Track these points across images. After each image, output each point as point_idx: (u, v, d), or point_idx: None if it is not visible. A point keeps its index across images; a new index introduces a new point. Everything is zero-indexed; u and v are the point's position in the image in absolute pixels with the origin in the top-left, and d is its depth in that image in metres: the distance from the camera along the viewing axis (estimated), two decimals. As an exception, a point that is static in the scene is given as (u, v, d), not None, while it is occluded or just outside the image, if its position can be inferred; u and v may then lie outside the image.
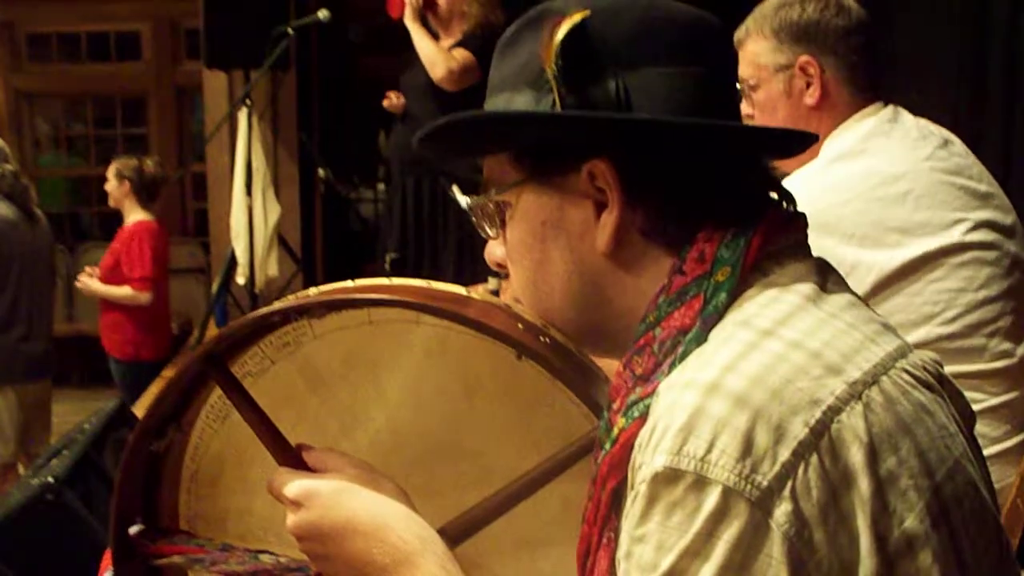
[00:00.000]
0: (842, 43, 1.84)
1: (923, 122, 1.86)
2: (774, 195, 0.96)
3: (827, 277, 0.91)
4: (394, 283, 1.03)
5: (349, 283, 1.04)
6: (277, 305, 1.03)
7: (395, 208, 4.64)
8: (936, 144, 1.80)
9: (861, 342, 0.84)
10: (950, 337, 1.69)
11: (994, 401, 1.72)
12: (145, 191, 5.04)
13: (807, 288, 0.87)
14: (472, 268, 4.30)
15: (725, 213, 0.89)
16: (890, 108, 1.86)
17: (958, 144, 1.85)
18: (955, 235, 1.71)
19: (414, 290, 1.02)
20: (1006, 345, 1.73)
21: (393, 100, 4.57)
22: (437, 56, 4.17)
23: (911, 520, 0.78)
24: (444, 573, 0.92)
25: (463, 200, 2.38)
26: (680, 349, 0.84)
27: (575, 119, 0.89)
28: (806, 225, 0.96)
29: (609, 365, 1.16)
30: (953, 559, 0.80)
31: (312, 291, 1.05)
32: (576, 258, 0.93)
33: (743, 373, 0.78)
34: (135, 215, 5.03)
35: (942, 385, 0.90)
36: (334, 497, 0.97)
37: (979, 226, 1.74)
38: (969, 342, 1.71)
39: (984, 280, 1.72)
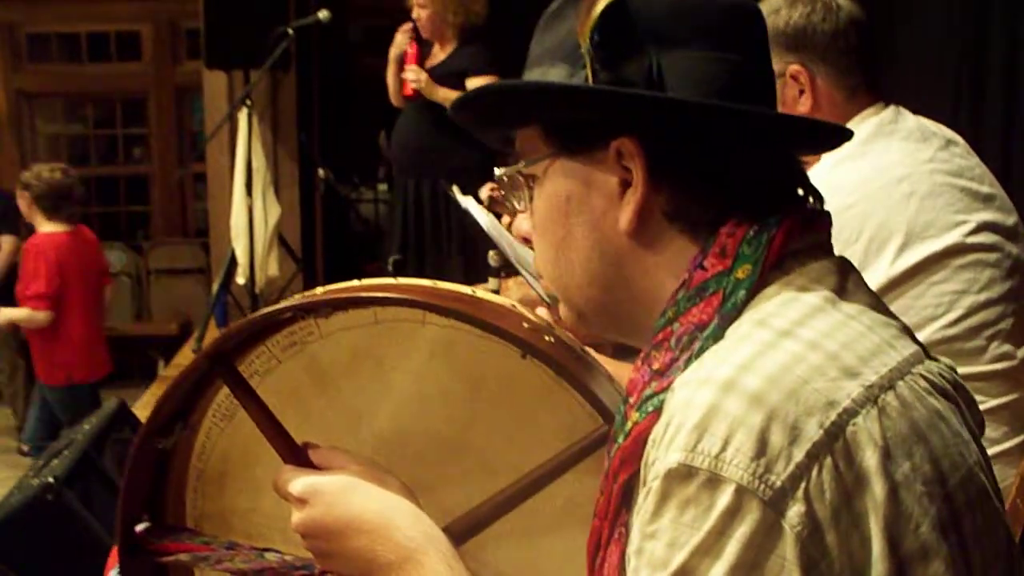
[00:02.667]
0: (831, 47, 1.82)
1: (925, 122, 1.85)
2: (800, 191, 0.95)
3: (847, 278, 0.90)
4: (400, 283, 1.03)
5: (355, 282, 1.04)
6: (284, 304, 1.04)
7: (397, 209, 4.67)
8: (938, 145, 1.79)
9: (879, 345, 0.84)
10: (951, 339, 1.68)
11: (993, 403, 1.71)
12: (48, 201, 4.58)
13: (826, 290, 0.86)
14: (476, 268, 4.33)
15: (750, 205, 0.89)
16: (891, 109, 1.84)
17: (961, 144, 1.84)
18: (957, 237, 1.70)
19: (420, 289, 1.02)
20: (1006, 347, 1.72)
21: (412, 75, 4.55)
22: None
23: (925, 527, 0.78)
24: (449, 571, 0.92)
25: (463, 200, 2.36)
26: (697, 345, 0.84)
27: (605, 93, 0.89)
28: (830, 224, 0.95)
29: (612, 366, 1.17)
30: (963, 568, 0.80)
31: (319, 290, 1.05)
32: (598, 235, 0.93)
33: (760, 372, 0.78)
34: (42, 227, 4.64)
35: (958, 392, 0.90)
36: (339, 494, 0.97)
37: (981, 228, 1.73)
38: (970, 344, 1.70)
39: (986, 282, 1.71)
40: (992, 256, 1.73)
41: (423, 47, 4.62)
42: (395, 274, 4.63)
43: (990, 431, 1.70)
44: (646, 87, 0.88)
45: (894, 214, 1.70)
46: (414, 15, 4.52)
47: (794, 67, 1.82)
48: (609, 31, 0.88)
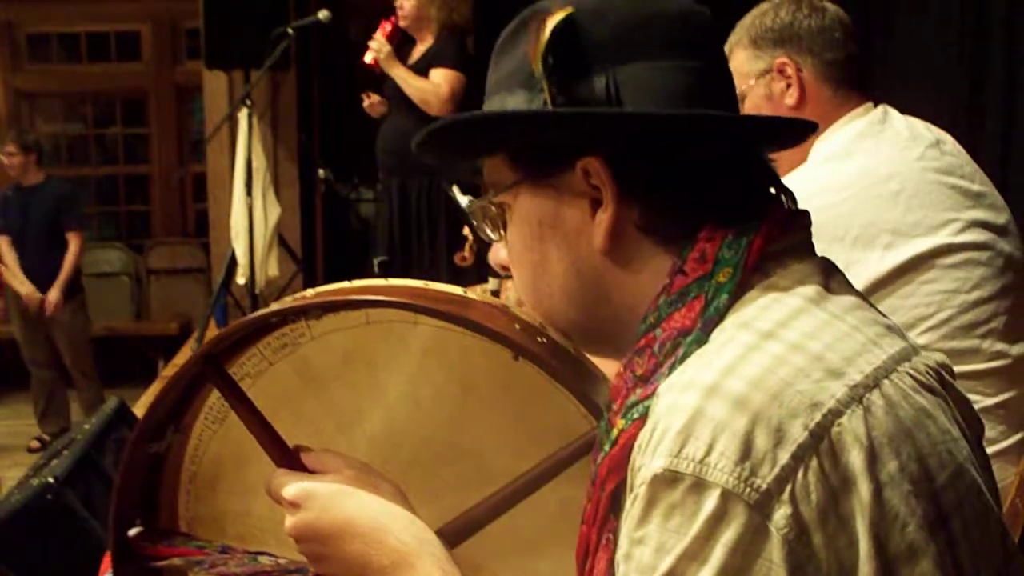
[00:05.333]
0: (816, 41, 1.85)
1: (914, 121, 1.86)
2: (773, 191, 0.95)
3: (831, 278, 0.90)
4: (392, 284, 1.03)
5: (347, 284, 1.04)
6: (275, 306, 1.03)
7: (383, 211, 4.69)
8: (927, 144, 1.80)
9: (863, 345, 0.84)
10: (944, 339, 1.68)
11: (989, 402, 1.71)
12: None
13: (809, 290, 0.86)
14: (462, 269, 4.37)
15: (726, 210, 0.88)
16: (880, 109, 1.86)
17: (950, 143, 1.85)
18: (946, 236, 1.71)
19: (412, 291, 1.02)
20: (1000, 345, 1.72)
21: (371, 101, 4.66)
22: (426, 94, 4.36)
23: (912, 526, 0.78)
24: (442, 574, 0.92)
25: (463, 201, 2.37)
26: (680, 351, 0.83)
27: (563, 116, 0.89)
28: (809, 223, 0.95)
29: (608, 366, 1.16)
30: (952, 567, 0.80)
31: (310, 292, 1.05)
32: (574, 257, 0.93)
33: (743, 376, 0.77)
34: None
35: (946, 389, 0.89)
36: (332, 498, 0.97)
37: (971, 226, 1.73)
38: (963, 343, 1.70)
39: (977, 281, 1.71)
40: (983, 255, 1.73)
41: (405, 43, 4.62)
42: (382, 275, 4.65)
43: (986, 430, 1.69)
44: (604, 104, 0.88)
45: (882, 212, 1.70)
46: (397, 3, 4.52)
47: (780, 59, 1.86)
48: (561, 52, 0.87)
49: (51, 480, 2.66)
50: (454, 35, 4.50)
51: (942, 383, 0.89)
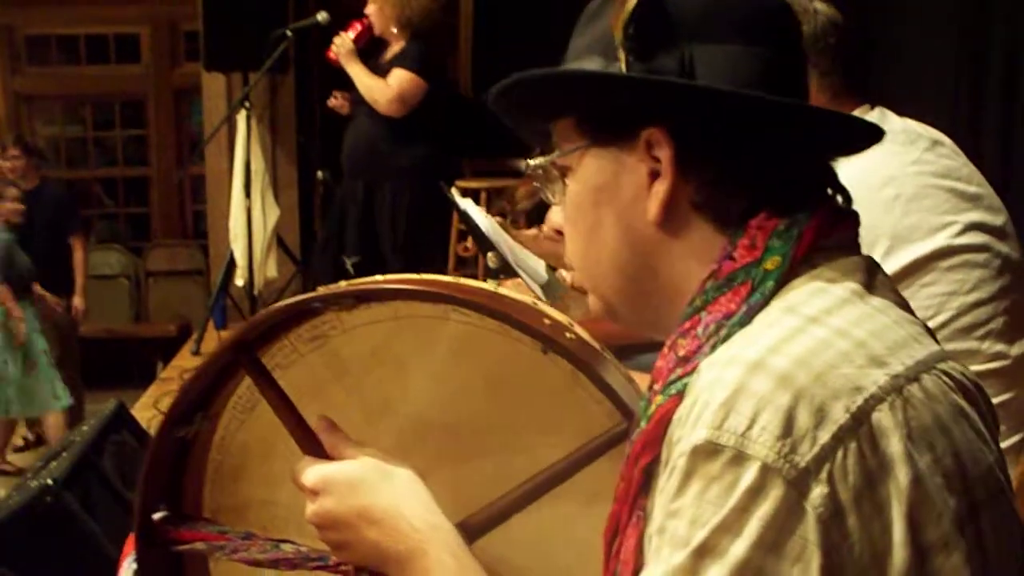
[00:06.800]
0: (810, 49, 1.83)
1: (911, 123, 1.86)
2: (829, 189, 0.96)
3: (874, 275, 0.91)
4: (424, 278, 1.04)
5: (380, 277, 1.05)
6: (310, 294, 1.04)
7: (350, 212, 4.70)
8: (924, 147, 1.80)
9: (905, 339, 0.85)
10: (943, 341, 1.68)
11: None
12: None
13: (854, 284, 0.87)
14: (418, 269, 4.37)
15: (780, 199, 0.89)
16: (876, 111, 1.85)
17: (948, 145, 1.85)
18: (944, 239, 1.71)
19: (443, 284, 1.03)
20: (1000, 346, 1.73)
21: (337, 100, 4.70)
22: (374, 92, 4.43)
23: (945, 519, 0.78)
24: (454, 560, 0.94)
25: (462, 202, 2.36)
26: (724, 332, 0.84)
27: (634, 80, 0.90)
28: (858, 223, 0.96)
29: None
30: (980, 563, 0.80)
31: (342, 284, 1.06)
32: (625, 225, 0.93)
33: (788, 355, 0.78)
34: None
35: (979, 392, 0.90)
36: (350, 486, 0.99)
37: (968, 228, 1.74)
38: (962, 345, 1.71)
39: (975, 283, 1.72)
40: (981, 256, 1.73)
41: (374, 45, 4.65)
42: (357, 276, 4.65)
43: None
44: (677, 77, 0.89)
45: (880, 218, 1.70)
46: (367, 10, 4.59)
47: None
48: (643, 23, 0.89)
49: (50, 482, 2.66)
50: (419, 39, 4.53)
51: (976, 387, 0.90)
